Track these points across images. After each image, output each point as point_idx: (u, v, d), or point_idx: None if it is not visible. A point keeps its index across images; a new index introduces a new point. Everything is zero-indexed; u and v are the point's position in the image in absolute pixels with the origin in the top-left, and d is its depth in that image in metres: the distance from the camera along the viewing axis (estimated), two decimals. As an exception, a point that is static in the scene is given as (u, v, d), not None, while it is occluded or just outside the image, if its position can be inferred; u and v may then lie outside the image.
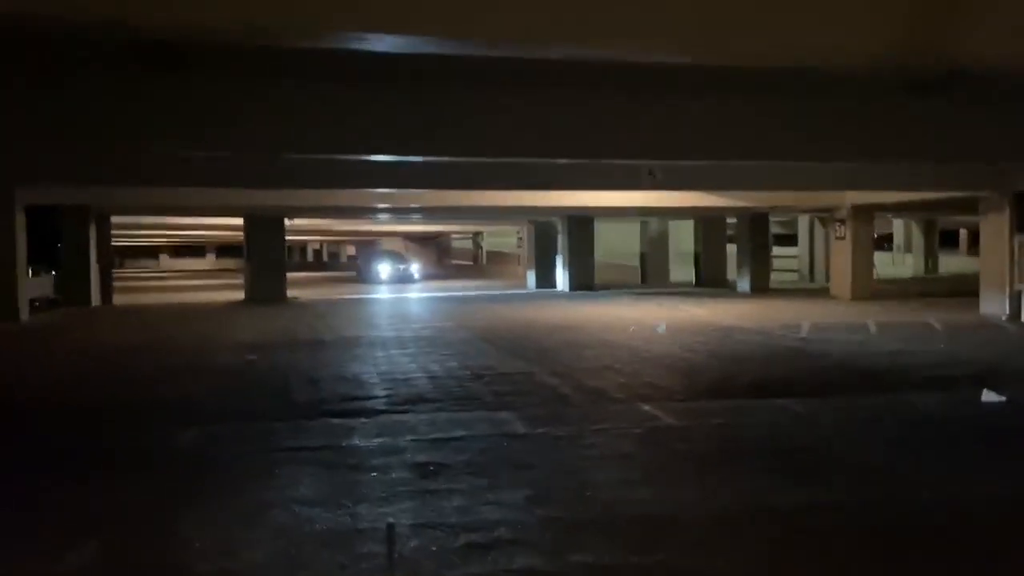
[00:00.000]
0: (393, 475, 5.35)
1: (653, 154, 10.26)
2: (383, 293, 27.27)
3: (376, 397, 8.29)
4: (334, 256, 64.63)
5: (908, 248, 42.69)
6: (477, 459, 5.73)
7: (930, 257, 38.84)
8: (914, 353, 10.97)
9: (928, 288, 24.74)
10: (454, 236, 48.73)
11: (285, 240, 25.00)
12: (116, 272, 27.43)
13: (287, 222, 25.29)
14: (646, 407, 7.54)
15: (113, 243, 26.10)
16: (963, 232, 51.10)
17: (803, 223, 32.53)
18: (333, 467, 5.57)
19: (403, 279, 33.13)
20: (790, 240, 37.97)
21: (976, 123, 9.75)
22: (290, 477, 5.35)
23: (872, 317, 15.81)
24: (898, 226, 43.01)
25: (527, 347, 12.17)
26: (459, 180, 14.43)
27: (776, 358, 10.68)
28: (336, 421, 7.16)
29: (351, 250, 61.67)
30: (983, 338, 12.60)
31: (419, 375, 9.64)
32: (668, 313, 17.95)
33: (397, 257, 36.88)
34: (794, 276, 32.62)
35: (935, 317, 15.74)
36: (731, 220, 29.31)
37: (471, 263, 46.79)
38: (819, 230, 31.83)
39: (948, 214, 33.38)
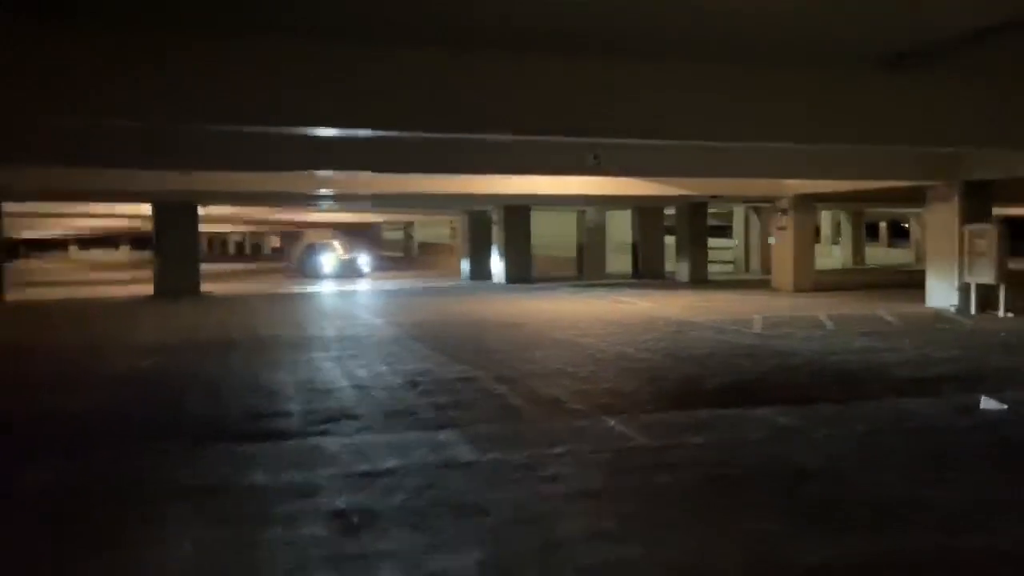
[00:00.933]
0: (303, 531, 4.12)
1: (592, 131, 9.07)
2: (307, 287, 25.62)
3: (289, 414, 6.99)
4: (257, 248, 62.07)
5: (835, 239, 43.18)
6: (414, 503, 4.54)
7: (857, 248, 39.28)
8: (881, 351, 10.24)
9: (866, 280, 24.58)
10: (385, 227, 47.09)
11: (198, 229, 23.15)
12: (15, 265, 25.03)
13: (201, 210, 23.54)
14: (611, 422, 6.48)
15: (9, 234, 23.77)
16: (883, 224, 52.22)
17: (738, 214, 32.25)
18: (225, 521, 4.30)
19: (349, 272, 29.63)
20: (724, 231, 37.80)
21: (961, 102, 8.99)
22: (164, 540, 4.07)
23: (822, 311, 15.19)
24: (825, 217, 43.40)
25: (467, 347, 11.01)
26: (389, 162, 13.06)
27: (739, 357, 9.78)
28: (238, 447, 5.86)
29: (276, 241, 59.27)
30: (944, 334, 12.03)
31: (343, 384, 8.37)
32: (611, 306, 17.04)
33: (342, 247, 33.19)
34: (729, 267, 32.33)
35: (884, 310, 15.24)
36: (669, 211, 28.76)
37: (402, 255, 45.27)
38: (754, 221, 31.60)
39: (890, 205, 33.64)
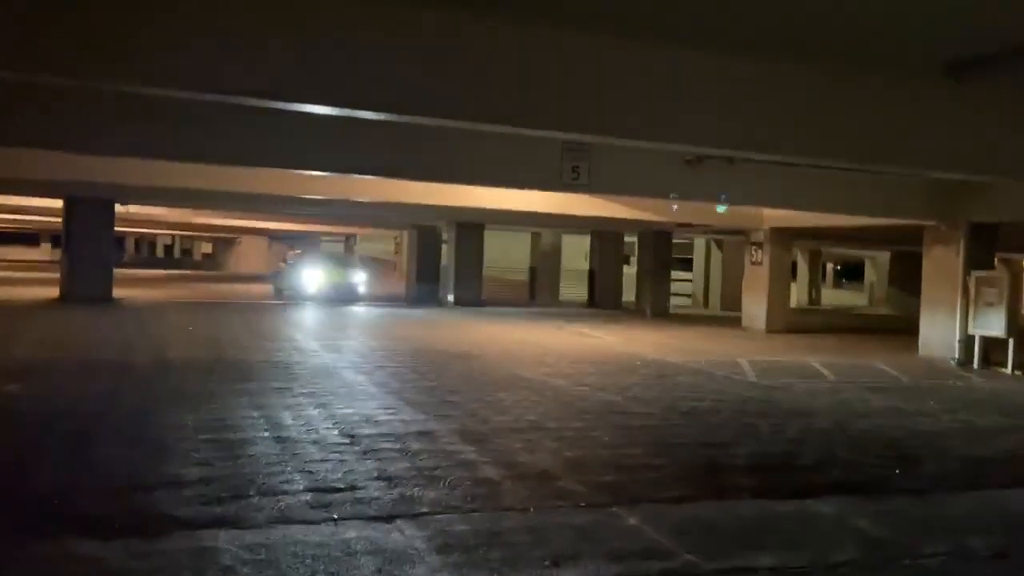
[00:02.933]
0: None
1: (587, 125, 7.29)
2: (235, 298, 23.23)
3: (176, 483, 4.97)
4: (187, 253, 58.73)
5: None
6: None
7: (813, 288, 38.59)
8: (911, 415, 8.69)
9: (833, 322, 23.43)
10: (323, 238, 44.66)
11: (113, 229, 20.66)
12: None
13: (122, 209, 21.08)
14: (629, 517, 4.66)
15: None
16: (829, 265, 52.07)
17: (699, 246, 31.03)
18: None
19: (342, 296, 21.98)
20: (682, 264, 36.67)
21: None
22: None
23: (809, 356, 13.71)
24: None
25: (418, 385, 9.07)
26: (334, 159, 11.03)
27: (749, 416, 8.10)
28: (84, 546, 3.84)
29: (207, 247, 56.11)
30: (967, 394, 10.59)
31: (259, 434, 6.35)
32: (574, 339, 15.29)
33: (338, 262, 25.17)
34: (686, 301, 31.02)
35: (878, 359, 13.85)
36: (629, 239, 27.32)
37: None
38: (716, 254, 30.41)
39: (852, 246, 32.91)
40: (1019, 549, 4.40)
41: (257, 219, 29.97)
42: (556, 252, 29.80)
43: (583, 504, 4.89)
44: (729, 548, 4.22)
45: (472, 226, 23.44)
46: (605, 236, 26.27)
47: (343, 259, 27.01)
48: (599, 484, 5.31)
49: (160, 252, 59.75)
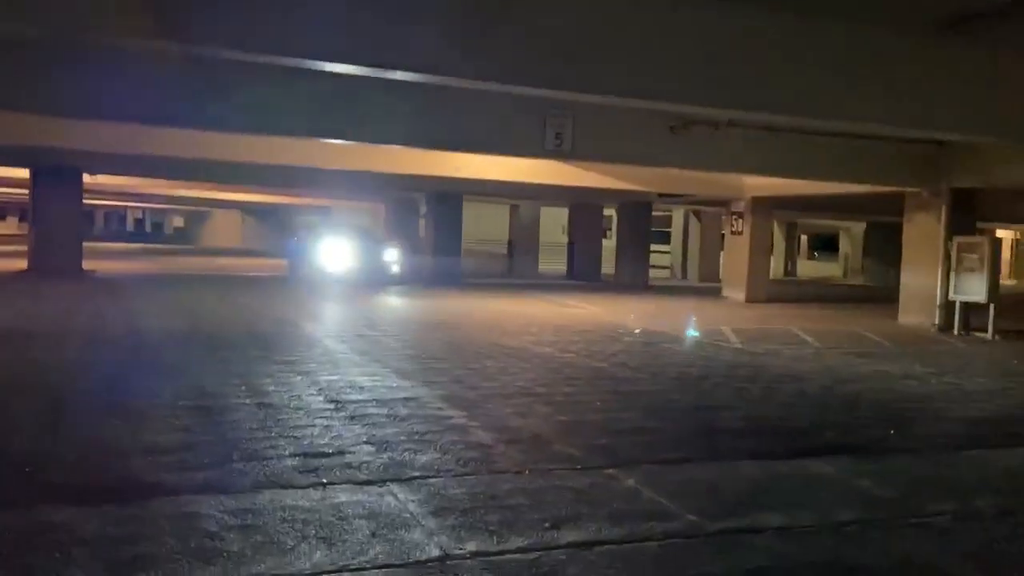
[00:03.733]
0: None
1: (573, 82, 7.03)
2: (210, 271, 22.81)
3: (156, 450, 4.75)
4: (158, 227, 57.78)
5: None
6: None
7: (789, 260, 38.80)
8: (898, 377, 8.65)
9: (812, 292, 23.53)
10: (299, 211, 43.99)
11: (82, 199, 20.13)
12: None
13: (88, 179, 20.50)
14: (627, 479, 4.53)
15: None
16: (803, 237, 52.40)
17: (678, 218, 30.99)
18: None
19: (371, 276, 18.40)
20: (661, 237, 36.63)
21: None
22: None
23: (791, 324, 13.70)
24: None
25: (402, 353, 8.89)
26: (303, 122, 10.58)
27: (739, 380, 8.01)
28: (59, 514, 3.63)
29: (179, 220, 55.24)
30: (951, 358, 10.59)
31: (240, 401, 6.14)
32: (556, 310, 15.16)
33: (363, 235, 20.80)
34: (665, 273, 31.01)
35: (858, 326, 13.88)
36: (608, 212, 27.19)
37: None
38: (694, 226, 30.39)
39: (833, 217, 33.02)
40: (1022, 507, 4.33)
41: (230, 191, 29.36)
42: (535, 225, 29.57)
43: (579, 467, 4.75)
44: (732, 508, 4.11)
45: (450, 197, 23.13)
46: (584, 208, 26.10)
47: (370, 232, 21.79)
48: (594, 447, 5.18)
49: (131, 225, 58.72)
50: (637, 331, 11.91)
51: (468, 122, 11.23)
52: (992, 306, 12.65)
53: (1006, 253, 37.22)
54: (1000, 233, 28.57)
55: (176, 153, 14.69)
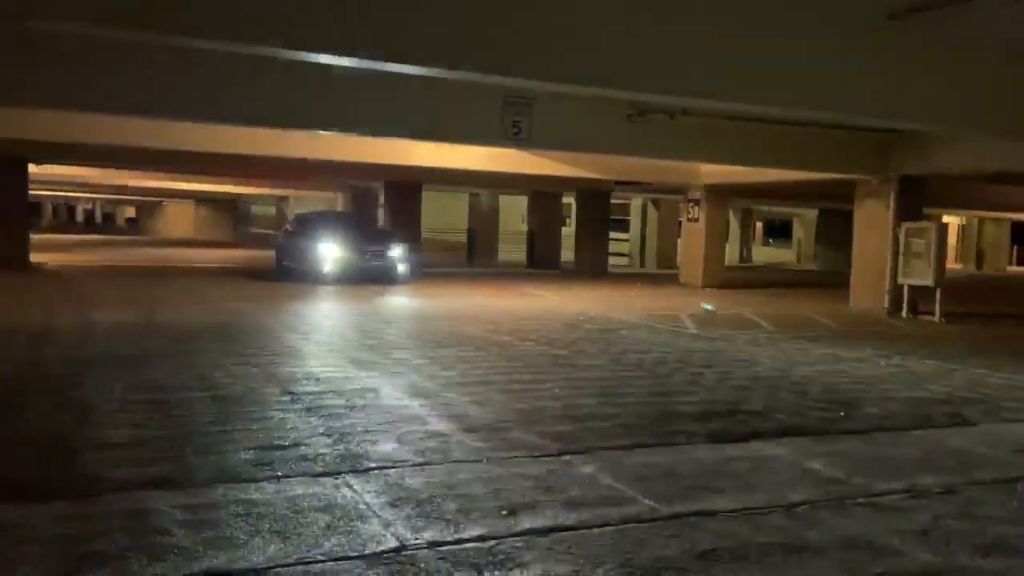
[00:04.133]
0: None
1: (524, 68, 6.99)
2: (162, 262, 22.36)
3: (106, 445, 4.64)
4: (109, 218, 56.46)
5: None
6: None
7: (744, 246, 39.35)
8: (847, 360, 8.84)
9: (768, 277, 23.92)
10: (254, 201, 43.36)
11: (27, 190, 19.59)
12: None
13: (34, 168, 19.92)
14: (584, 465, 4.55)
15: None
16: (759, 224, 53.25)
17: (636, 206, 31.21)
18: None
19: (372, 274, 16.13)
20: (619, 224, 36.88)
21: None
22: None
23: (746, 309, 13.91)
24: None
25: (358, 343, 8.82)
26: (255, 110, 10.40)
27: (694, 366, 8.12)
28: (5, 513, 3.53)
29: (131, 211, 54.05)
30: (898, 339, 10.84)
31: (195, 395, 6.04)
32: (516, 298, 15.20)
33: (362, 228, 18.79)
34: (624, 260, 31.25)
35: (812, 310, 14.16)
36: (567, 200, 27.27)
37: (274, 232, 41.71)
38: (652, 214, 30.64)
39: (785, 204, 33.52)
40: (967, 485, 4.46)
41: (183, 180, 28.80)
42: (494, 213, 29.56)
43: (537, 454, 4.77)
44: (687, 492, 4.17)
45: (409, 186, 22.99)
46: (543, 197, 26.16)
47: (370, 224, 19.45)
48: (552, 434, 5.20)
49: (80, 217, 57.28)
50: (582, 318, 11.99)
51: (425, 110, 11.15)
52: (938, 289, 12.99)
53: (952, 238, 38.24)
54: (946, 219, 29.30)
55: (125, 141, 14.35)
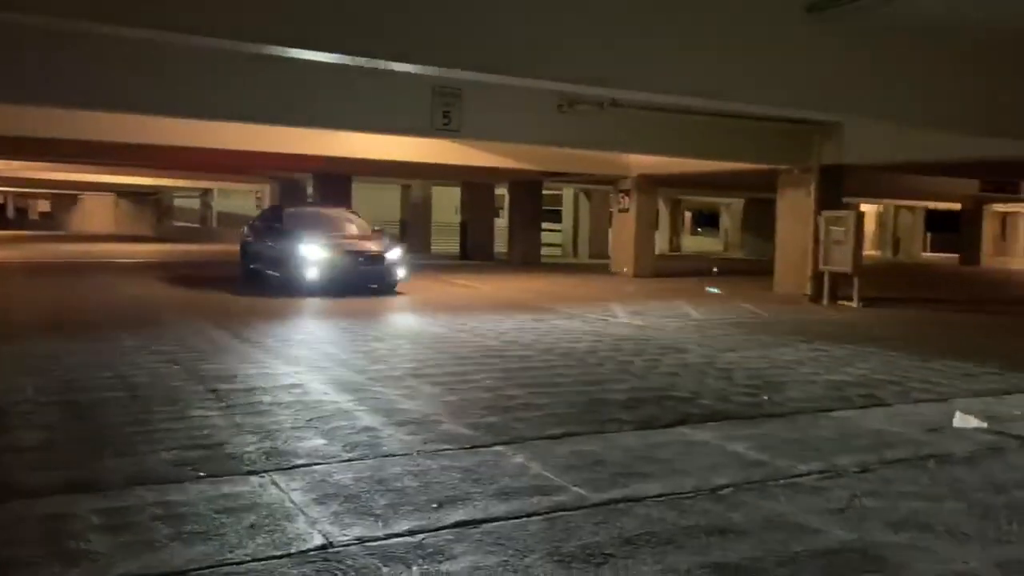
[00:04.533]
0: None
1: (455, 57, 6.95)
2: (78, 258, 21.49)
3: (15, 449, 4.43)
4: (22, 212, 53.98)
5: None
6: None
7: (674, 235, 40.10)
8: (774, 345, 9.09)
9: (702, 266, 24.40)
10: (177, 194, 42.03)
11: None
12: None
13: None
14: (515, 455, 4.56)
15: None
16: (687, 213, 54.34)
17: (568, 196, 31.45)
18: None
19: (363, 279, 13.58)
20: (551, 215, 37.10)
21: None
22: None
23: (678, 298, 14.18)
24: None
25: (285, 336, 8.66)
26: (186, 100, 10.11)
27: (625, 354, 8.22)
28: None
29: (45, 206, 51.80)
30: (819, 324, 11.20)
31: (112, 394, 5.82)
32: (448, 288, 15.15)
33: (347, 226, 15.19)
34: (556, 251, 31.47)
35: (739, 297, 14.51)
36: (499, 192, 27.28)
37: (199, 225, 40.59)
38: (584, 204, 30.92)
39: (712, 194, 34.22)
40: (882, 463, 4.64)
41: (100, 173, 27.72)
42: (427, 205, 29.40)
43: (468, 446, 4.76)
44: (615, 479, 4.22)
45: (337, 178, 22.65)
46: (476, 187, 26.11)
47: (356, 220, 15.57)
48: (482, 425, 5.20)
49: (-10, 212, 54.57)
50: (514, 308, 12.04)
51: (355, 101, 10.99)
52: (857, 276, 13.48)
53: (871, 226, 39.70)
54: (865, 207, 30.37)
55: (31, 132, 13.71)
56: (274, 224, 14.75)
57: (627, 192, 19.66)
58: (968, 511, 3.89)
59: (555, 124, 12.72)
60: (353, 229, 14.91)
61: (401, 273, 13.86)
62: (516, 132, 13.11)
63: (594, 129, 13.22)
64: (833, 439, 5.14)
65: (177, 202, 43.83)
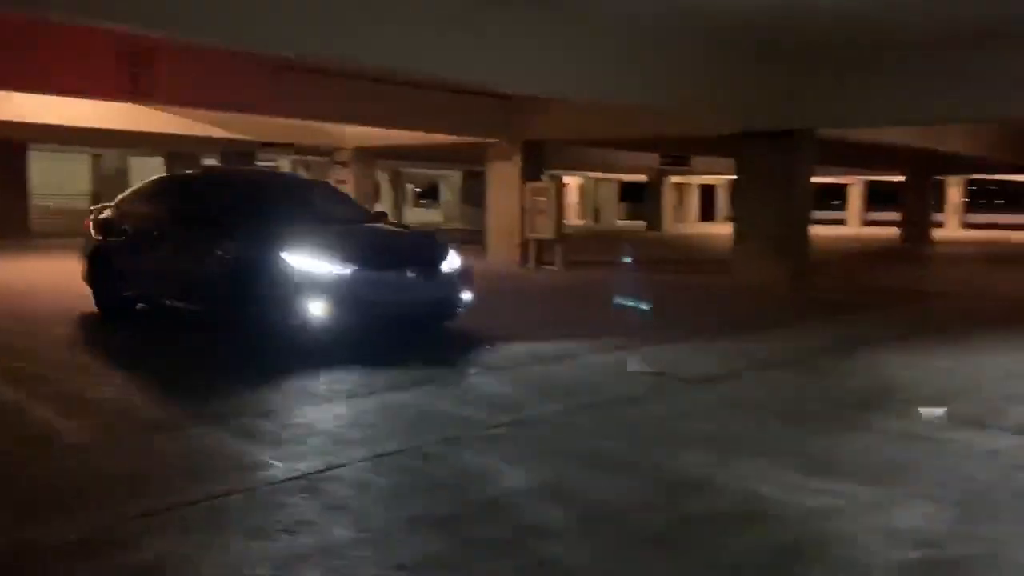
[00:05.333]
0: None
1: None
2: None
3: None
4: None
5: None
6: None
7: (397, 208, 40.41)
8: (486, 313, 9.63)
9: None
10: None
11: None
12: None
13: None
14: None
15: None
16: (410, 186, 55.25)
17: (284, 167, 30.40)
18: None
19: (417, 307, 7.41)
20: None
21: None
22: None
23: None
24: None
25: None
26: None
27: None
28: None
29: None
30: (527, 284, 12.03)
31: None
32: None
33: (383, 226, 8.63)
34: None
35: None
36: (210, 163, 25.61)
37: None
38: (302, 174, 30.05)
39: (430, 166, 34.79)
40: (577, 409, 5.18)
41: None
42: (123, 176, 26.78)
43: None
44: (322, 448, 4.27)
45: (11, 145, 19.83)
46: (182, 158, 24.26)
47: (346, 201, 9.46)
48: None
49: None
50: None
51: (25, 58, 9.73)
52: (558, 242, 14.64)
53: (574, 197, 43.16)
54: (569, 179, 32.98)
55: None
56: (194, 209, 7.62)
57: (344, 163, 19.47)
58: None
59: (269, 92, 12.25)
60: (346, 213, 8.52)
61: (467, 296, 7.87)
62: (226, 100, 12.47)
63: (307, 99, 12.95)
64: (527, 394, 5.62)
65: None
